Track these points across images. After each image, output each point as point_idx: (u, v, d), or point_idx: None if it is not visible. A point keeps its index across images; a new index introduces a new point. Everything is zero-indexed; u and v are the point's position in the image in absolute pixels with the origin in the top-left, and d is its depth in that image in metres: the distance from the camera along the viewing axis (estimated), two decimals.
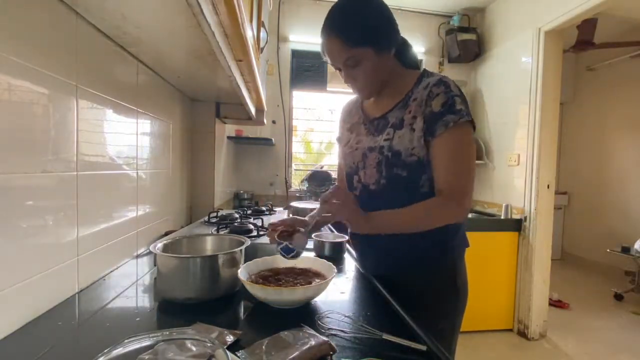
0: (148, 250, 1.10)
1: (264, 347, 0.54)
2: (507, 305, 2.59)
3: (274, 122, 3.00)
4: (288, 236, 0.82)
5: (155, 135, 1.31)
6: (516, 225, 2.56)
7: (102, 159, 0.93)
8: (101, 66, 0.91)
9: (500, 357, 2.29)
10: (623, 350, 2.34)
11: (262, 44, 1.59)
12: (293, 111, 3.13)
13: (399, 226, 0.82)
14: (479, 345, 2.39)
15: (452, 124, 0.79)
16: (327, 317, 0.68)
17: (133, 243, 1.13)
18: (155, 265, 0.79)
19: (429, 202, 0.81)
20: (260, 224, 1.41)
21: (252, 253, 0.93)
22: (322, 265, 0.85)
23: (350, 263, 1.11)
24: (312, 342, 0.54)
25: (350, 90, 0.94)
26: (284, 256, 0.81)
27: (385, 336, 0.59)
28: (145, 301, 0.80)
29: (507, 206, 2.64)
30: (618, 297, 3.22)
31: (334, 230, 1.51)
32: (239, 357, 0.51)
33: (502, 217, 2.65)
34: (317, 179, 2.75)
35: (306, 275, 0.83)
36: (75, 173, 0.79)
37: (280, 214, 1.97)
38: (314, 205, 1.79)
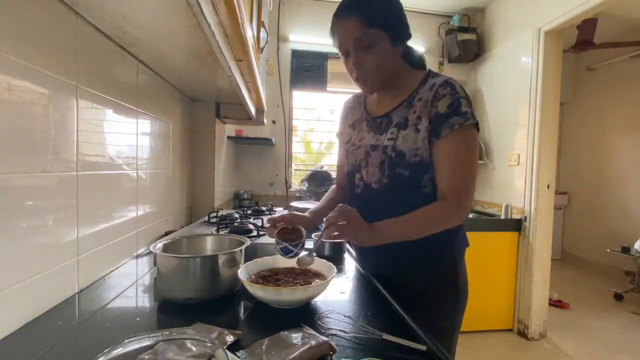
0: (148, 250, 1.10)
1: (264, 347, 0.54)
2: (507, 305, 2.59)
3: (274, 122, 3.00)
4: (288, 234, 0.82)
5: (155, 135, 1.31)
6: (516, 225, 2.56)
7: (102, 159, 0.93)
8: (101, 66, 0.91)
9: (500, 357, 2.29)
10: (623, 350, 2.34)
11: (262, 44, 1.59)
12: (293, 111, 3.13)
13: (403, 235, 0.82)
14: (479, 345, 2.39)
15: (458, 126, 0.79)
16: (327, 317, 0.68)
17: (133, 243, 1.13)
18: (155, 265, 0.79)
19: (433, 208, 0.81)
20: (260, 224, 1.41)
21: (252, 253, 0.93)
22: (322, 265, 0.85)
23: (350, 263, 1.11)
24: (312, 342, 0.54)
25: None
26: (282, 255, 0.82)
27: (385, 336, 0.59)
28: (145, 301, 0.80)
29: (507, 206, 2.64)
30: (618, 297, 3.22)
31: None
32: (239, 357, 0.51)
33: (502, 217, 2.65)
34: (317, 179, 2.75)
35: (306, 276, 0.83)
36: (75, 173, 0.79)
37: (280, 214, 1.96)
38: (314, 205, 1.79)
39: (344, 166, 1.04)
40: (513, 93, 2.68)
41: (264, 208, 2.04)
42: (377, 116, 0.93)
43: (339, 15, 0.85)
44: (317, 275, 0.83)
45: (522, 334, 2.52)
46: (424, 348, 0.56)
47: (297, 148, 3.27)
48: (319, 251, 1.18)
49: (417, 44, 3.06)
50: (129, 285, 0.87)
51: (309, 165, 3.36)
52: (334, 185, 1.14)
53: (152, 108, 1.27)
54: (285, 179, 3.04)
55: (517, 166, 2.63)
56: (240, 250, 0.83)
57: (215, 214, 1.64)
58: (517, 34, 2.65)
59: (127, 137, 1.07)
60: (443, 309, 0.88)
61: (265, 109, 2.19)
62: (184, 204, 1.78)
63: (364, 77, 0.87)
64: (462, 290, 0.91)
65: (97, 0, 0.74)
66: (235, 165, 2.88)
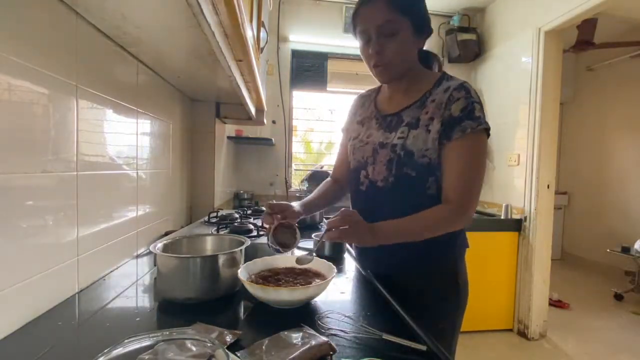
0: (148, 250, 1.10)
1: (264, 347, 0.54)
2: (507, 305, 2.59)
3: (274, 122, 3.00)
4: (283, 230, 0.83)
5: (155, 135, 1.31)
6: (516, 225, 2.56)
7: (102, 159, 0.93)
8: (101, 66, 0.91)
9: (500, 357, 2.29)
10: (623, 350, 2.34)
11: (262, 44, 1.59)
12: (293, 111, 3.13)
13: (404, 237, 0.81)
14: (479, 345, 2.39)
15: (470, 130, 0.79)
16: (327, 317, 0.68)
17: (133, 243, 1.13)
18: (155, 265, 0.79)
19: (436, 211, 0.81)
20: (260, 224, 1.41)
21: (252, 253, 0.93)
22: (322, 265, 0.85)
23: (350, 263, 1.11)
24: (312, 342, 0.54)
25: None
26: (276, 251, 0.83)
27: (385, 336, 0.59)
28: (145, 301, 0.80)
29: (507, 206, 2.63)
30: (618, 297, 3.22)
31: None
32: (239, 357, 0.51)
33: (502, 217, 2.65)
34: (317, 179, 2.75)
35: (306, 276, 0.83)
36: (75, 173, 0.79)
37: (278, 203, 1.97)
38: None
39: (343, 161, 1.04)
40: (513, 93, 2.68)
41: (263, 208, 2.04)
42: (387, 114, 0.93)
43: (364, 3, 0.84)
44: (317, 275, 0.83)
45: (522, 334, 2.51)
46: (424, 348, 0.56)
47: (297, 148, 3.27)
48: (319, 251, 1.18)
49: None
50: (129, 285, 0.87)
51: (309, 165, 3.36)
52: (329, 178, 1.13)
53: (152, 108, 1.27)
54: (285, 179, 3.04)
55: (517, 166, 2.63)
56: (240, 250, 0.83)
57: (215, 214, 1.64)
58: (517, 34, 2.65)
59: (127, 137, 1.07)
60: (443, 309, 0.88)
61: (265, 109, 2.19)
62: (184, 204, 1.78)
63: (383, 64, 0.86)
64: (462, 290, 0.91)
65: (97, 0, 0.74)
66: (235, 165, 2.88)
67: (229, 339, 0.57)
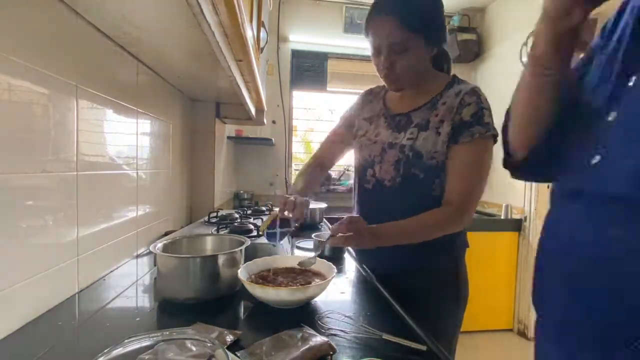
0: (148, 250, 1.10)
1: (264, 347, 0.54)
2: (507, 305, 2.59)
3: (274, 122, 3.00)
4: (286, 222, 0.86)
5: (155, 135, 1.31)
6: (516, 225, 2.56)
7: (102, 159, 0.93)
8: (101, 66, 0.91)
9: (500, 357, 2.29)
10: None
11: (262, 44, 1.59)
12: (293, 111, 3.13)
13: (406, 238, 0.82)
14: (479, 345, 2.39)
15: (478, 135, 0.80)
16: (327, 317, 0.68)
17: (133, 243, 1.13)
18: (155, 265, 0.79)
19: (437, 213, 0.82)
20: (260, 224, 1.41)
21: (252, 253, 0.93)
22: (322, 265, 0.85)
23: (350, 263, 1.11)
24: (312, 342, 0.54)
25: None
26: (270, 242, 0.85)
27: (385, 336, 0.59)
28: (145, 301, 0.80)
29: (507, 206, 2.64)
30: None
31: None
32: (239, 357, 0.51)
33: (502, 217, 2.65)
34: None
35: (306, 276, 0.83)
36: (75, 173, 0.79)
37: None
38: (314, 205, 1.79)
39: (335, 148, 1.05)
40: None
41: (264, 208, 2.04)
42: (396, 114, 0.93)
43: (377, 11, 0.83)
44: (317, 275, 0.83)
45: (522, 334, 2.52)
46: (424, 348, 0.56)
47: (297, 148, 3.27)
48: (318, 251, 1.18)
49: None
50: (129, 285, 0.87)
51: None
52: (312, 161, 1.10)
53: (152, 108, 1.27)
54: (285, 179, 3.04)
55: None
56: (240, 250, 0.83)
57: (215, 214, 1.64)
58: (517, 34, 2.65)
59: (127, 137, 1.07)
60: (443, 309, 0.89)
61: (265, 109, 2.19)
62: (184, 204, 1.78)
63: (393, 77, 0.86)
64: (463, 290, 0.91)
65: (97, 0, 0.74)
66: (235, 165, 2.88)
67: (229, 339, 0.57)
